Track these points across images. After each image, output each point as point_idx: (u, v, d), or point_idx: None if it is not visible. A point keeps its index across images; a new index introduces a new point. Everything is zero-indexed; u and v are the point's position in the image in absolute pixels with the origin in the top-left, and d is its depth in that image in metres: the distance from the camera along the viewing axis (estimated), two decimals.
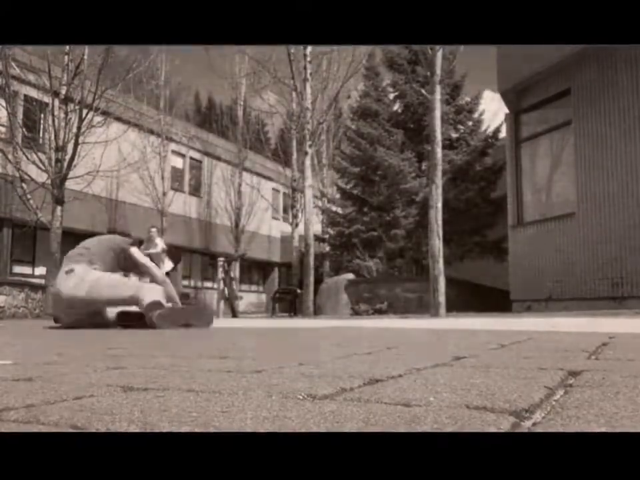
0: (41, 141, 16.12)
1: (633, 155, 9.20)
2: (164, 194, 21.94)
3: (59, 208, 14.00)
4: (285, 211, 28.76)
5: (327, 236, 19.13)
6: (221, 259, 12.16)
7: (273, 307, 14.91)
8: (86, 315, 4.97)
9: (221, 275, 11.59)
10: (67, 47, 14.32)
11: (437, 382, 1.21)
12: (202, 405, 0.99)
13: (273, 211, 28.37)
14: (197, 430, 0.80)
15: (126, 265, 5.38)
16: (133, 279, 5.43)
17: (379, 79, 17.23)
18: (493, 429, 0.78)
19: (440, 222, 8.46)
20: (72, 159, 14.25)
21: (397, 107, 17.02)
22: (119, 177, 18.84)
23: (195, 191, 25.41)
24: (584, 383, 1.18)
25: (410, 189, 15.02)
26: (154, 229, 10.66)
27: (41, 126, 16.38)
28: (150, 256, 10.59)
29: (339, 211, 18.16)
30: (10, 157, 14.45)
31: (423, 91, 9.31)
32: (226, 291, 11.36)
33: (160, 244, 10.53)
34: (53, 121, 14.43)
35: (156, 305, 4.67)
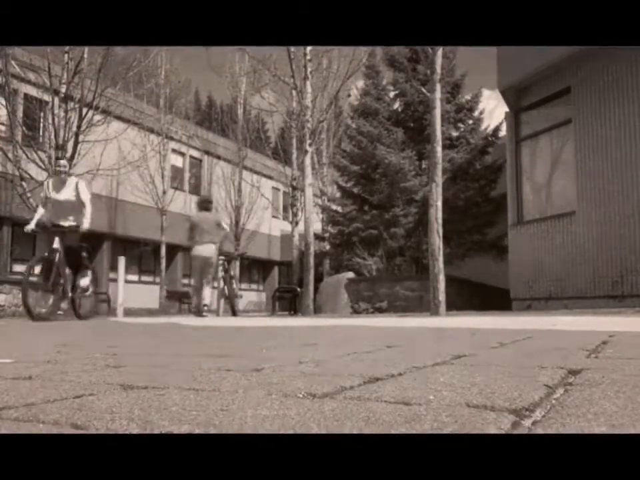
0: (40, 139, 16.11)
1: (633, 154, 9.20)
2: (164, 192, 21.93)
3: None
4: (285, 209, 28.77)
5: (327, 234, 19.10)
6: (221, 257, 12.13)
7: (273, 306, 14.89)
8: None
9: (220, 273, 11.55)
10: (67, 46, 14.32)
11: (437, 380, 1.21)
12: (202, 403, 0.99)
13: (273, 209, 28.37)
14: (197, 428, 0.80)
15: None
16: None
17: (379, 77, 17.21)
18: (493, 428, 0.78)
19: (440, 220, 8.45)
20: (72, 157, 14.24)
21: (397, 105, 17.00)
22: (119, 176, 18.84)
23: (195, 189, 25.41)
24: (584, 382, 1.18)
25: (410, 188, 15.00)
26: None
27: (41, 124, 16.37)
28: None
29: (339, 209, 18.13)
30: (10, 155, 14.45)
31: (423, 90, 9.29)
32: (226, 290, 11.33)
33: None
34: (53, 119, 14.43)
35: None
